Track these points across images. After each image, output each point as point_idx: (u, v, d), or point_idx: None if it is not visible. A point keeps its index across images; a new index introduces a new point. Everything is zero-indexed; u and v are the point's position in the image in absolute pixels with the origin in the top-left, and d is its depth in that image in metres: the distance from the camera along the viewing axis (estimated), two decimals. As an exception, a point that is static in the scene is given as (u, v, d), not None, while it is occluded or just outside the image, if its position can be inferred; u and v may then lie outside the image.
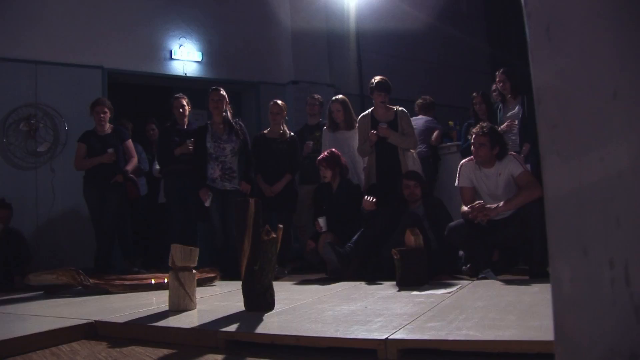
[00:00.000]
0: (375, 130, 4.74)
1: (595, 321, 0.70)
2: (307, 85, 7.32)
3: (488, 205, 3.77)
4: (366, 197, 4.45)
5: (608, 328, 0.68)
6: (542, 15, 0.77)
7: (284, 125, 5.42)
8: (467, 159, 4.13)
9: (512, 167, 3.89)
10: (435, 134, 6.09)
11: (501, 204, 3.76)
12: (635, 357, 0.63)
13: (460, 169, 4.11)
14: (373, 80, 4.90)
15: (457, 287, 3.25)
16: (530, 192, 3.70)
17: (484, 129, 3.94)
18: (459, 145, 5.78)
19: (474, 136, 3.98)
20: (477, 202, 3.84)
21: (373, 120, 4.86)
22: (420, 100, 6.40)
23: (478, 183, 4.00)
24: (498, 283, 3.44)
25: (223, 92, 5.07)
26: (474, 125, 4.32)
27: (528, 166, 4.47)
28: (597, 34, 0.70)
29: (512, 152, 4.04)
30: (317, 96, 5.92)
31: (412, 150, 4.83)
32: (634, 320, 0.63)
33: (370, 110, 4.99)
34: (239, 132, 5.07)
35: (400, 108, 4.93)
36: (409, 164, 4.75)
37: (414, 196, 4.42)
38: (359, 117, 5.09)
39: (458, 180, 4.10)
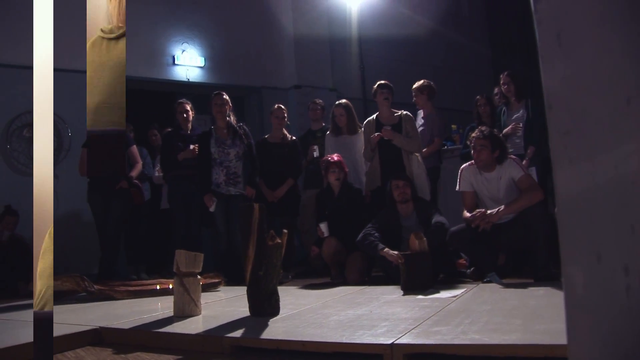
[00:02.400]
0: (379, 133, 4.74)
1: (610, 327, 0.69)
2: (309, 89, 7.33)
3: (489, 212, 3.75)
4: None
5: (623, 335, 0.67)
6: (553, 22, 0.77)
7: (285, 130, 5.43)
8: (467, 163, 4.12)
9: (512, 170, 3.87)
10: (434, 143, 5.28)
11: (502, 207, 3.74)
12: (652, 366, 0.63)
13: (460, 173, 4.10)
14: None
15: (462, 291, 3.24)
16: (531, 195, 3.70)
17: (484, 133, 3.92)
18: (460, 150, 5.63)
19: (474, 140, 3.97)
20: (477, 210, 3.81)
21: (378, 124, 4.86)
22: (416, 85, 5.41)
23: (479, 187, 3.99)
24: (503, 287, 3.43)
25: (226, 97, 5.05)
26: (476, 129, 4.29)
27: (533, 169, 4.46)
28: (608, 41, 0.70)
29: (511, 156, 4.03)
30: (318, 101, 5.91)
31: (416, 154, 4.81)
32: (650, 328, 0.63)
33: (375, 115, 4.99)
34: (243, 137, 5.07)
35: (405, 112, 4.92)
36: (414, 167, 4.71)
37: (404, 196, 4.26)
38: (364, 122, 5.08)
39: (459, 184, 4.08)
